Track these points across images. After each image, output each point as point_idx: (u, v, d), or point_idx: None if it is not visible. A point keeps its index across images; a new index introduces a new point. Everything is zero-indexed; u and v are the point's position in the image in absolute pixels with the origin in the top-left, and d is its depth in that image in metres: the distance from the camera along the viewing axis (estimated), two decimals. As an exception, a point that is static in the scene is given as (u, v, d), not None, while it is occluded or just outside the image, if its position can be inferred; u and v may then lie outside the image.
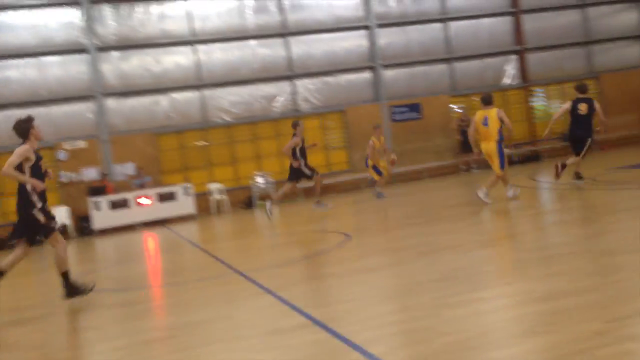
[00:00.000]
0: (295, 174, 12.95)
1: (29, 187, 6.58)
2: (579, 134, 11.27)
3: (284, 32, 19.44)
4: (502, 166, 10.44)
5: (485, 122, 10.45)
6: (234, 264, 8.03)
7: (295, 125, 12.90)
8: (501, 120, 10.35)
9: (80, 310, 6.56)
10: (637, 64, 22.45)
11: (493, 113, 10.41)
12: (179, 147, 18.69)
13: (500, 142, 10.42)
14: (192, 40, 18.71)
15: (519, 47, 21.31)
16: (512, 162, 20.55)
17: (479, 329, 4.06)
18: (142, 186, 17.26)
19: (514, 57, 21.51)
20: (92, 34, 17.87)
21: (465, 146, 19.71)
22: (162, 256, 11.03)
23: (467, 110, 20.15)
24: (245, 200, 18.48)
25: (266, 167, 19.07)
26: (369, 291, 5.64)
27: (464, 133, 19.55)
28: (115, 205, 16.32)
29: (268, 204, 13.05)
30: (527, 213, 9.51)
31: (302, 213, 15.34)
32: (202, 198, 17.87)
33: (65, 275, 6.76)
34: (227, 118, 19.07)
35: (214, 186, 18.18)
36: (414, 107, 20.35)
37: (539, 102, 21.79)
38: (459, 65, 21.01)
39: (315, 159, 19.64)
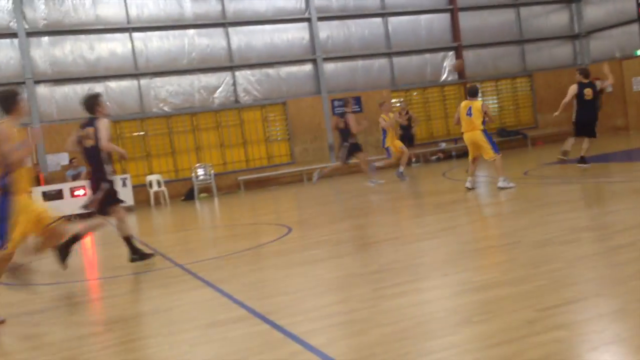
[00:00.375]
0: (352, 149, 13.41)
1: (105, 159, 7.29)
2: (587, 118, 11.61)
3: (224, 22, 19.21)
4: (496, 150, 10.63)
5: (469, 112, 10.70)
6: (174, 257, 7.90)
7: (348, 103, 13.43)
8: (485, 113, 10.60)
9: (12, 305, 6.30)
10: (568, 63, 23.36)
11: (478, 104, 10.66)
12: (116, 137, 18.19)
13: (485, 130, 10.65)
14: (128, 27, 18.23)
15: (456, 44, 21.80)
16: (450, 157, 21.08)
17: (416, 319, 4.14)
18: (76, 177, 16.73)
19: (451, 53, 21.99)
20: (21, 17, 17.14)
21: (406, 140, 20.04)
22: (98, 249, 10.73)
23: (406, 105, 20.47)
24: (186, 193, 18.20)
25: (206, 159, 18.84)
26: (309, 283, 5.66)
27: (404, 127, 19.86)
28: (49, 196, 15.76)
29: (375, 164, 13.34)
30: (465, 206, 9.75)
31: (244, 205, 15.26)
32: (140, 190, 17.48)
33: (128, 240, 7.57)
34: (166, 108, 18.71)
35: (152, 177, 17.83)
36: (355, 101, 20.50)
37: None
38: (399, 60, 21.31)
39: (257, 151, 19.58)
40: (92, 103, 7.47)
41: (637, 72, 21.06)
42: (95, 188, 7.36)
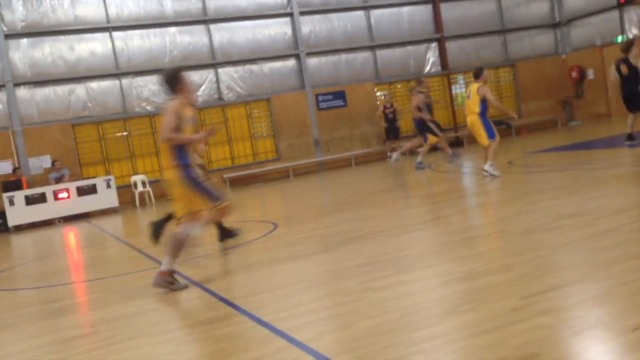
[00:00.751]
0: (423, 128, 13.68)
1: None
2: (625, 93, 11.54)
3: (205, 19, 19.10)
4: (491, 136, 10.56)
5: (468, 95, 10.73)
6: (159, 257, 7.84)
7: (420, 82, 13.67)
8: (483, 96, 10.49)
9: (-6, 311, 6.25)
10: (550, 51, 23.50)
11: (474, 87, 10.62)
12: (99, 138, 18.08)
13: (482, 114, 10.53)
14: (107, 26, 18.07)
15: (439, 36, 21.83)
16: (435, 149, 21.13)
17: (401, 311, 4.15)
18: (59, 179, 16.59)
19: (434, 45, 22.02)
20: (-1, 20, 16.95)
21: (391, 133, 20.10)
22: (83, 251, 10.66)
23: (391, 97, 20.50)
24: (170, 192, 18.12)
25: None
26: (294, 279, 5.65)
27: (389, 120, 19.90)
28: (31, 200, 15.62)
29: (395, 154, 13.49)
30: (449, 197, 9.79)
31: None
32: (125, 190, 17.38)
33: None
34: (149, 108, 18.59)
35: (137, 178, 17.72)
36: (339, 95, 20.51)
37: (459, 89, 22.40)
38: (382, 53, 21.30)
39: (241, 148, 19.53)
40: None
41: (618, 59, 21.19)
42: None
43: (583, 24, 22.70)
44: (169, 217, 7.78)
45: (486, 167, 10.42)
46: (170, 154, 5.86)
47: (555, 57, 23.32)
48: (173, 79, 5.96)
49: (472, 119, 10.66)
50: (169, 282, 5.70)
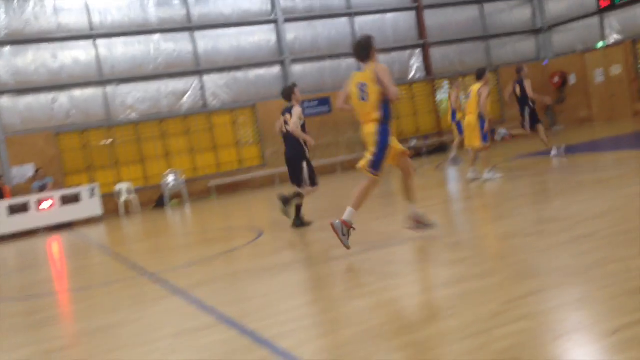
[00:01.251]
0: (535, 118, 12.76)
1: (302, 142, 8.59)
2: None
3: (189, 26, 19.10)
4: (484, 140, 10.66)
5: (468, 96, 10.89)
6: (144, 266, 7.83)
7: (521, 70, 13.08)
8: (479, 97, 10.58)
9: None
10: (532, 57, 23.74)
11: (475, 88, 10.73)
12: (82, 146, 17.97)
13: (481, 116, 10.65)
14: (91, 34, 18.00)
15: (422, 42, 21.98)
16: (420, 154, 21.26)
17: (385, 318, 4.17)
18: (43, 188, 16.45)
19: (418, 51, 22.17)
20: (-19, 28, 16.83)
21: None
22: (67, 261, 10.57)
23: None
24: (157, 200, 18.04)
25: (176, 164, 18.70)
26: (279, 286, 5.65)
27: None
28: (14, 209, 15.47)
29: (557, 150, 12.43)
30: (433, 203, 9.83)
31: (216, 210, 15.19)
32: (109, 199, 17.28)
33: (299, 208, 8.87)
34: (133, 115, 18.52)
35: (122, 186, 17.62)
36: (324, 101, 20.55)
37: (442, 95, 22.55)
38: (366, 60, 21.35)
39: (227, 155, 19.50)
40: (288, 93, 8.91)
41: (600, 64, 21.49)
42: (294, 167, 8.71)
43: (564, 30, 22.97)
44: (297, 195, 8.77)
45: (485, 176, 10.55)
46: (378, 109, 6.16)
47: (537, 63, 23.55)
48: (366, 48, 6.29)
49: (471, 119, 10.80)
50: (344, 233, 6.10)
